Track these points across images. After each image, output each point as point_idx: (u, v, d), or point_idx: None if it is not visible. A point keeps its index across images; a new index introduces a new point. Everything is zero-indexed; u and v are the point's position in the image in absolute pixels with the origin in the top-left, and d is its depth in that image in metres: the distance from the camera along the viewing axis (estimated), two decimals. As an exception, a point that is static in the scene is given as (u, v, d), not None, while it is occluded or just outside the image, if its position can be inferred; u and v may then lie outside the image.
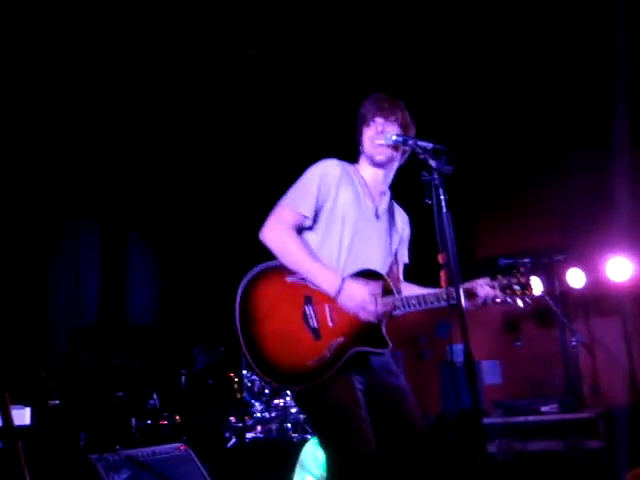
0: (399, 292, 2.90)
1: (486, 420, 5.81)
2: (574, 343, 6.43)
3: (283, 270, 2.77)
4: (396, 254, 3.12)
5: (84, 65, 5.93)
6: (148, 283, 7.25)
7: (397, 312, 2.78)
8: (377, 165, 3.00)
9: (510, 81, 6.53)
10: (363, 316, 2.71)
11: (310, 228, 2.88)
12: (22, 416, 3.74)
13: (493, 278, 2.90)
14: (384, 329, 2.77)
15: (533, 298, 2.88)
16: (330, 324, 2.71)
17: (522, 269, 2.91)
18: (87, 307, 6.25)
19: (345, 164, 3.00)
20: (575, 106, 6.60)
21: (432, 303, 2.76)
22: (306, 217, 2.83)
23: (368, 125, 2.96)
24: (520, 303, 2.90)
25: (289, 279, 2.76)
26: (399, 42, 6.07)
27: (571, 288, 6.96)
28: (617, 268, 6.68)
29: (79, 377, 5.71)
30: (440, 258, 2.64)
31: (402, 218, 3.20)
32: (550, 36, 5.98)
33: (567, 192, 7.17)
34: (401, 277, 3.15)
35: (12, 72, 5.57)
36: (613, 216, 6.29)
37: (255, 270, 2.77)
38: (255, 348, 2.66)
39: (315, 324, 2.70)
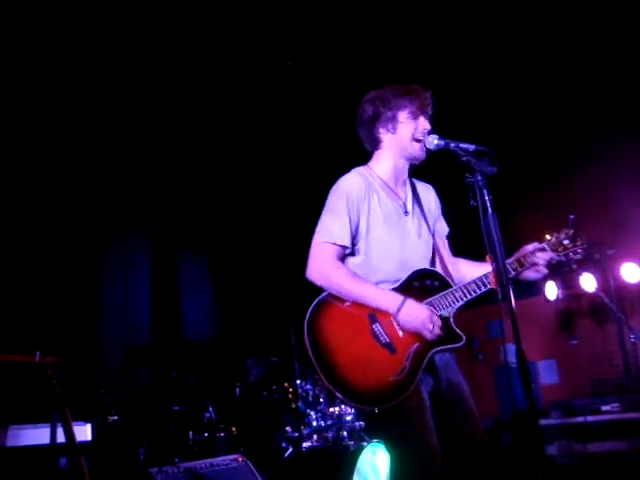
0: (452, 279, 2.91)
1: (544, 421, 5.71)
2: (632, 339, 6.28)
3: (338, 297, 2.79)
4: (435, 232, 3.10)
5: (140, 86, 6.13)
6: (200, 296, 7.31)
7: (459, 304, 2.79)
8: (410, 160, 3.00)
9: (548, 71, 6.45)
10: (425, 336, 2.71)
11: (352, 252, 2.89)
12: (83, 432, 3.81)
13: (541, 241, 2.89)
14: (454, 324, 2.78)
15: (584, 247, 2.86)
16: (401, 334, 2.72)
17: (568, 222, 2.89)
18: (140, 323, 6.34)
19: (361, 172, 2.99)
20: (621, 94, 6.46)
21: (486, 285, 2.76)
22: (346, 247, 2.85)
23: (414, 119, 2.93)
24: (574, 258, 2.88)
25: (347, 304, 2.78)
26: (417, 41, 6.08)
27: (626, 283, 6.80)
28: (673, 260, 6.51)
29: (137, 393, 5.81)
30: (488, 259, 2.62)
31: (427, 194, 3.15)
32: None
33: (614, 184, 7.01)
34: (449, 253, 3.13)
35: (66, 91, 5.76)
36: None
37: (314, 304, 2.79)
38: (339, 381, 2.66)
39: (387, 339, 2.71)
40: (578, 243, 2.86)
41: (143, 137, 6.62)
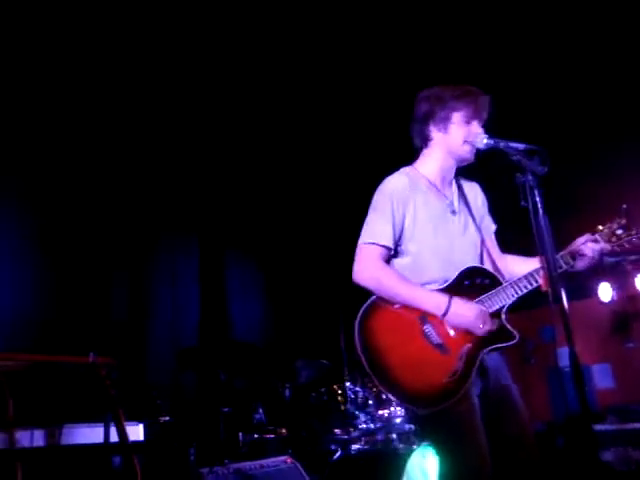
0: (502, 275, 2.88)
1: (600, 427, 5.58)
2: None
3: (387, 299, 2.78)
4: (483, 230, 3.06)
5: (188, 89, 6.22)
6: (249, 298, 7.36)
7: (510, 301, 2.75)
8: (459, 162, 2.98)
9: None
10: (477, 332, 2.69)
11: (397, 253, 2.88)
12: (136, 432, 3.87)
13: (593, 232, 2.83)
14: (506, 322, 2.74)
15: (638, 236, 2.78)
16: (452, 334, 2.70)
17: (620, 212, 2.82)
18: (188, 325, 6.43)
19: (406, 172, 2.98)
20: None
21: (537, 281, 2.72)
22: (390, 248, 2.83)
23: (467, 122, 2.90)
24: (627, 247, 2.81)
25: (397, 305, 2.77)
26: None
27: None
28: None
29: (186, 394, 5.89)
30: (539, 261, 2.58)
31: (473, 191, 3.12)
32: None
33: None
34: (497, 250, 3.09)
35: (112, 93, 5.90)
36: None
37: (365, 306, 2.78)
38: (392, 383, 2.65)
39: (438, 339, 2.69)
40: (633, 232, 2.79)
41: (193, 139, 6.70)
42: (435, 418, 2.61)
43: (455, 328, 2.70)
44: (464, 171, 3.09)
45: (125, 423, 3.36)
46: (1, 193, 5.21)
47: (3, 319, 4.83)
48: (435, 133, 2.97)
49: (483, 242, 3.03)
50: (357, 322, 2.74)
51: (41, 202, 5.44)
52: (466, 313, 2.68)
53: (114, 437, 3.34)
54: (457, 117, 2.91)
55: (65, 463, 3.21)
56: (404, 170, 3.00)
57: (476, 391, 2.69)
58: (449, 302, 2.70)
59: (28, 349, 3.58)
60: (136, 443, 3.64)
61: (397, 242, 2.85)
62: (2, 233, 5.13)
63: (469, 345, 2.67)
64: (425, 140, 3.02)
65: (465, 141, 2.89)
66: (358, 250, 2.86)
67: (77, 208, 5.61)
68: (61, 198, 5.54)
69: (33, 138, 5.45)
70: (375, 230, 2.84)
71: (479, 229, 3.02)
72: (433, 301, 2.73)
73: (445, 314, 2.69)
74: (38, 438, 3.04)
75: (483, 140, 2.81)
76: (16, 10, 4.95)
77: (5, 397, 2.98)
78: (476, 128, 2.90)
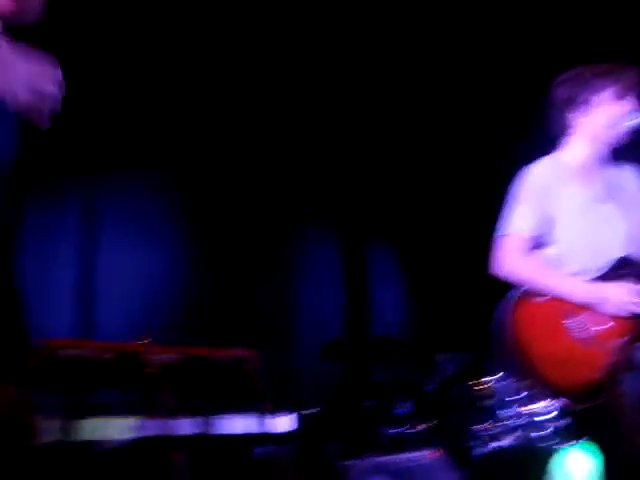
0: None
1: None
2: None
3: (531, 292, 2.70)
4: (637, 216, 2.86)
5: (323, 80, 6.33)
6: (390, 289, 7.37)
7: None
8: (606, 145, 2.80)
9: None
10: (631, 311, 2.54)
11: (541, 244, 2.78)
12: (282, 424, 4.02)
13: None
14: None
15: None
16: (601, 328, 2.58)
17: None
18: (331, 315, 6.56)
19: (549, 160, 2.85)
20: None
21: None
22: (531, 239, 2.75)
23: (613, 102, 2.71)
24: None
25: (539, 299, 2.68)
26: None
27: None
28: None
29: (330, 387, 6.03)
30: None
31: (626, 176, 2.89)
32: None
33: None
34: None
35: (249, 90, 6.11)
36: None
37: (507, 300, 2.72)
38: (539, 379, 2.60)
39: (585, 334, 2.58)
40: None
41: (328, 128, 6.77)
42: (587, 414, 2.54)
43: (604, 321, 2.58)
44: (617, 154, 2.92)
45: (272, 414, 3.51)
46: (161, 192, 5.58)
47: (157, 314, 5.19)
48: (576, 119, 2.81)
49: (637, 230, 2.85)
50: (499, 316, 2.68)
51: (193, 198, 5.78)
52: (616, 292, 2.55)
53: (260, 428, 3.50)
54: (601, 98, 2.74)
55: (214, 451, 3.40)
56: (546, 159, 2.88)
57: (632, 389, 2.57)
58: (596, 286, 2.59)
59: (180, 342, 3.81)
60: (282, 434, 3.78)
61: (540, 233, 2.76)
62: (162, 232, 5.52)
63: (619, 340, 2.54)
64: (566, 127, 2.87)
65: (611, 124, 2.74)
66: (497, 241, 2.80)
67: (223, 202, 5.88)
68: (209, 193, 5.84)
69: (186, 139, 5.78)
70: (515, 220, 2.76)
71: (632, 217, 2.84)
72: (578, 289, 2.62)
73: (592, 298, 2.59)
74: (191, 427, 3.24)
75: (633, 120, 2.65)
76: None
77: (164, 387, 3.19)
78: (624, 107, 2.71)
